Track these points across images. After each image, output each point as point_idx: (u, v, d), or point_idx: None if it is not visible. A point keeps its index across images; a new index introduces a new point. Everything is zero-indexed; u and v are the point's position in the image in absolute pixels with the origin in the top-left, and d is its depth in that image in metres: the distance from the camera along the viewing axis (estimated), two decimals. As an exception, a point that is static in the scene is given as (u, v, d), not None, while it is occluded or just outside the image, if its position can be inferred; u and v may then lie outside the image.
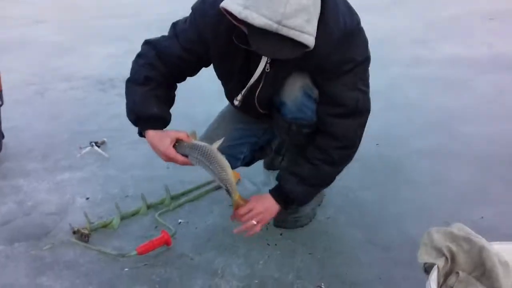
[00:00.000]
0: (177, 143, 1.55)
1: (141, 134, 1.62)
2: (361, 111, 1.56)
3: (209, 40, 1.53)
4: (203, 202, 2.03)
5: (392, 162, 2.33)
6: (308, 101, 1.57)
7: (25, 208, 2.05)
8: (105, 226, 1.85)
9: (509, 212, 1.92)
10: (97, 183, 2.22)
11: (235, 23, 1.33)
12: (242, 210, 1.60)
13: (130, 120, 1.63)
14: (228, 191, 1.55)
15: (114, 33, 7.06)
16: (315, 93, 1.56)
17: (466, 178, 2.17)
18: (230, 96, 1.75)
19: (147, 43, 1.64)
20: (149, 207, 1.97)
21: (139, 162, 2.43)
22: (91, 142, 2.54)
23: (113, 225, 1.84)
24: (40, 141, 2.74)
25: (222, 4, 1.29)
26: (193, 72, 1.69)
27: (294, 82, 1.55)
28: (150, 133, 1.57)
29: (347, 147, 1.60)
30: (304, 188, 1.63)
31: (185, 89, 3.71)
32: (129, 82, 1.62)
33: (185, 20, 1.60)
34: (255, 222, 1.60)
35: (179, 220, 1.90)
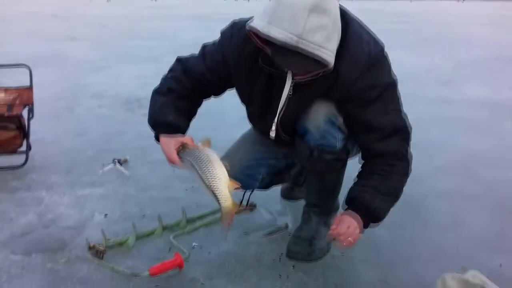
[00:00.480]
0: (181, 147, 1.57)
1: (157, 138, 1.69)
2: (400, 129, 1.58)
3: (231, 62, 1.62)
4: (218, 228, 2.04)
5: (410, 201, 2.31)
6: (331, 128, 1.59)
7: (45, 220, 2.09)
8: (120, 244, 1.88)
9: (528, 261, 1.87)
10: (117, 201, 2.26)
11: (260, 45, 1.44)
12: (341, 229, 1.55)
13: (149, 125, 1.72)
14: (215, 196, 1.49)
15: (144, 55, 7.27)
16: (339, 120, 1.59)
17: (485, 223, 2.14)
18: (252, 118, 1.85)
19: (178, 60, 1.76)
20: (164, 228, 1.99)
21: (159, 183, 2.47)
22: (114, 159, 2.60)
23: (128, 244, 1.87)
24: (65, 155, 2.82)
25: (249, 23, 1.38)
26: (216, 90, 1.77)
27: (318, 109, 1.58)
28: (162, 137, 1.64)
29: (400, 159, 1.60)
30: (380, 198, 1.59)
31: (206, 115, 3.78)
32: (154, 92, 1.73)
33: (213, 43, 1.72)
34: (351, 240, 1.57)
35: (193, 244, 1.92)
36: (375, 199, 1.56)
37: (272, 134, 1.70)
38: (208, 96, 1.79)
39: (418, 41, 8.10)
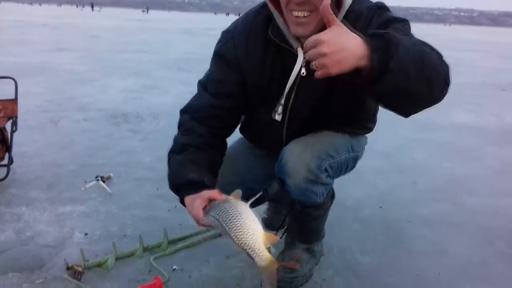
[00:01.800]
0: (209, 204, 1.31)
1: (183, 203, 1.45)
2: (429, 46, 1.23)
3: (240, 52, 1.45)
4: (200, 250, 2.02)
5: (394, 227, 2.31)
6: (312, 186, 1.51)
7: (23, 237, 2.05)
8: (99, 265, 1.84)
9: (508, 292, 1.88)
10: (97, 219, 2.22)
11: (271, 8, 1.37)
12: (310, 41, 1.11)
13: (172, 191, 1.50)
14: (249, 255, 1.21)
15: (133, 68, 7.27)
16: (321, 177, 1.50)
17: (467, 251, 2.14)
18: (256, 120, 1.64)
19: (181, 112, 1.59)
20: (145, 249, 1.96)
21: (142, 201, 2.44)
22: (97, 176, 2.56)
23: (108, 265, 1.83)
24: (47, 170, 2.78)
25: None
26: (231, 118, 1.57)
27: (298, 158, 1.46)
28: (186, 199, 1.40)
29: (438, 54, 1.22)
30: (410, 47, 1.11)
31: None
32: (170, 154, 1.53)
33: (206, 73, 1.57)
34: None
35: (174, 267, 1.88)
36: (402, 38, 1.12)
37: (278, 117, 1.47)
38: (227, 131, 1.59)
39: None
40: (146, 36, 15.15)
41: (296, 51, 1.38)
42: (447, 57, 1.25)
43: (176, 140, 1.54)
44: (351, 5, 1.36)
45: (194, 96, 1.58)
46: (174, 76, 6.53)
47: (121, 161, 2.97)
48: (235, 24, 1.51)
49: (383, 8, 1.36)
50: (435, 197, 2.70)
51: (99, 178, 2.54)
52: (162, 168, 2.88)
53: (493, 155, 3.53)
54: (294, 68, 1.38)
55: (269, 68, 1.44)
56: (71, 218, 2.23)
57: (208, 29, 16.94)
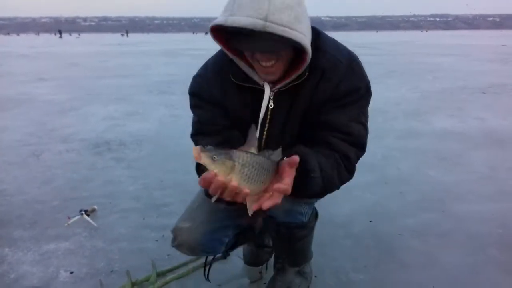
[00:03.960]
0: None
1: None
2: (362, 145, 1.42)
3: (218, 96, 1.45)
4: (191, 280, 1.97)
5: (385, 241, 2.30)
6: (297, 206, 1.54)
7: (8, 281, 1.98)
8: (87, 304, 1.79)
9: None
10: (83, 256, 2.17)
11: (230, 55, 1.36)
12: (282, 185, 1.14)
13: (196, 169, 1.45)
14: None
15: (114, 94, 7.23)
16: None
17: (457, 261, 2.13)
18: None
19: (193, 136, 1.53)
20: (134, 284, 1.91)
21: (128, 233, 2.39)
22: (80, 211, 2.51)
23: (96, 303, 1.78)
24: (29, 206, 2.72)
25: (211, 25, 1.27)
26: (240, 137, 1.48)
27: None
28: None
29: (349, 169, 1.40)
30: (321, 179, 1.29)
31: (179, 156, 3.74)
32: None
33: (194, 123, 1.52)
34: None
35: (164, 300, 1.84)
36: (317, 178, 1.28)
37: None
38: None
39: (386, 73, 8.31)
40: (126, 60, 15.14)
41: (262, 86, 1.40)
42: (427, 64, 1.29)
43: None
44: (326, 42, 1.39)
45: (195, 121, 1.51)
46: (156, 100, 6.50)
47: (105, 192, 2.92)
48: (205, 68, 1.52)
49: (357, 63, 1.41)
50: (423, 206, 2.70)
51: (83, 212, 2.49)
52: (147, 196, 2.88)
53: (478, 160, 3.56)
54: (263, 103, 1.41)
55: (243, 105, 1.46)
56: (56, 256, 2.17)
57: (188, 49, 16.98)
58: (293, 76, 1.33)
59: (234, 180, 1.08)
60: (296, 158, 1.12)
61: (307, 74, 1.33)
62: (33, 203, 2.77)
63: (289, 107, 1.41)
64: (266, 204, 1.11)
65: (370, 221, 2.50)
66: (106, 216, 2.58)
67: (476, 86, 7.46)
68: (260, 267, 2.06)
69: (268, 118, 1.43)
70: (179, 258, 2.09)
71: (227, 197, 1.11)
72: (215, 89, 1.45)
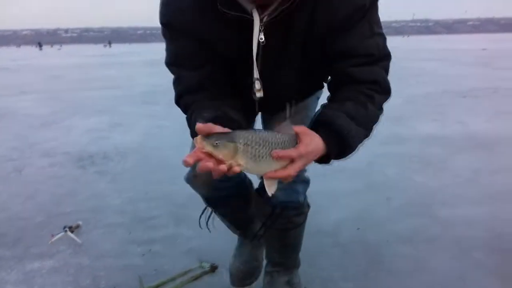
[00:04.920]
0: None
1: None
2: (385, 55, 1.31)
3: (199, 30, 1.27)
4: (178, 295, 1.95)
5: (373, 248, 2.30)
6: (294, 184, 1.53)
7: (-11, 302, 1.94)
8: (72, 324, 1.75)
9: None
10: (68, 274, 2.12)
11: None
12: (292, 155, 1.10)
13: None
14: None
15: (97, 105, 7.17)
16: (301, 174, 1.53)
17: (446, 266, 2.14)
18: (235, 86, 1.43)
19: (177, 102, 1.39)
20: (121, 301, 1.88)
21: (114, 248, 2.34)
22: (64, 227, 2.46)
23: (82, 323, 1.74)
24: (12, 224, 2.66)
25: None
26: (224, 75, 1.37)
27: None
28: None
29: (381, 92, 1.30)
30: (352, 124, 1.23)
31: (164, 167, 3.71)
32: (188, 123, 1.35)
33: (168, 51, 1.36)
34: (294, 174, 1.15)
35: (152, 317, 1.81)
36: (350, 126, 1.22)
37: (259, 94, 1.36)
38: (228, 84, 1.39)
39: (368, 79, 8.43)
40: (109, 71, 15.04)
41: (251, 15, 1.23)
42: (410, 69, 1.31)
43: (187, 120, 1.34)
44: None
45: (174, 80, 1.38)
46: (140, 111, 6.45)
47: (89, 207, 2.87)
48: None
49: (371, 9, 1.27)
50: (409, 212, 2.71)
51: (67, 229, 2.44)
52: (133, 210, 2.84)
53: (461, 164, 3.60)
54: (254, 36, 1.25)
55: (228, 39, 1.29)
56: (40, 275, 2.12)
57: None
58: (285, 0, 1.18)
59: (240, 161, 1.04)
60: (298, 129, 1.10)
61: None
62: (16, 220, 2.71)
63: (283, 42, 1.28)
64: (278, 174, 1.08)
65: (358, 229, 2.50)
66: (90, 232, 2.54)
67: (457, 90, 7.58)
68: None
69: (260, 54, 1.29)
70: (166, 273, 2.06)
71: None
72: (192, 18, 1.26)
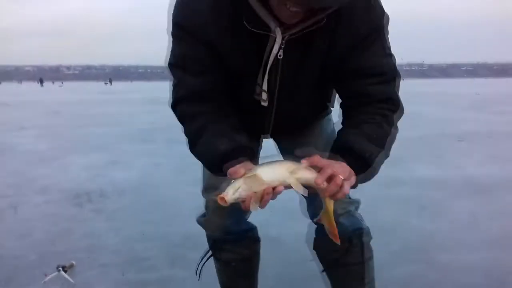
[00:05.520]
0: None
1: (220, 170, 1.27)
2: (397, 74, 1.36)
3: (212, 37, 1.25)
4: None
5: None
6: (351, 210, 1.60)
7: None
8: None
9: None
10: (60, 315, 2.08)
11: None
12: (321, 162, 1.16)
13: (219, 175, 1.27)
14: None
15: (96, 143, 7.19)
16: (349, 206, 1.58)
17: (446, 314, 2.11)
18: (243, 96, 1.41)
19: (174, 105, 1.36)
20: None
21: (107, 290, 2.30)
22: (58, 267, 2.42)
23: None
24: (5, 262, 2.62)
25: None
26: (226, 87, 1.36)
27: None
28: (226, 166, 1.21)
29: (395, 110, 1.35)
30: (372, 146, 1.28)
31: (160, 206, 3.69)
32: (191, 147, 1.34)
33: (173, 51, 1.33)
34: (342, 177, 1.17)
35: None
36: (371, 148, 1.27)
37: (264, 97, 1.34)
38: (229, 97, 1.37)
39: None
40: (109, 109, 15.17)
41: (274, 32, 1.21)
42: (406, 112, 1.42)
43: (188, 131, 1.33)
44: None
45: (176, 83, 1.34)
46: (139, 149, 6.46)
47: (84, 246, 2.84)
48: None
49: (373, 6, 1.29)
50: (408, 257, 2.68)
51: (60, 269, 2.40)
52: (128, 250, 2.80)
53: (459, 208, 3.59)
54: (273, 50, 1.24)
55: (243, 51, 1.28)
56: (30, 317, 2.07)
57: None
58: (310, 22, 1.17)
59: (259, 172, 1.10)
60: (313, 159, 1.14)
61: (324, 20, 1.18)
62: (9, 258, 2.67)
63: (301, 57, 1.29)
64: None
65: (356, 273, 2.46)
66: (84, 272, 2.49)
67: (453, 134, 7.65)
68: None
69: (278, 70, 1.29)
70: (160, 316, 2.02)
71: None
72: (209, 23, 1.24)
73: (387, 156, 1.34)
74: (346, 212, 1.56)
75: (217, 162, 1.23)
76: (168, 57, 1.34)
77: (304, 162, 1.14)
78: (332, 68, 1.32)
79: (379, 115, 1.31)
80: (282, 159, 1.24)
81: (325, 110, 1.65)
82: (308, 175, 1.15)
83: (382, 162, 1.32)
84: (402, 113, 1.38)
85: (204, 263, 1.82)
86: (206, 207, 1.69)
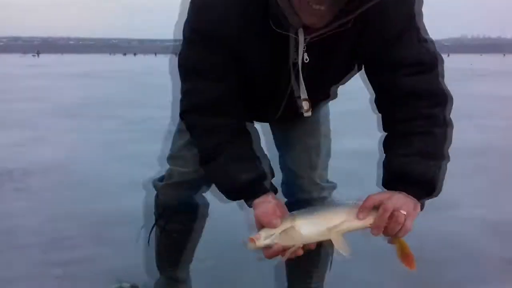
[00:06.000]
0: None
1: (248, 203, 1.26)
2: (436, 60, 1.22)
3: (234, 37, 1.18)
4: None
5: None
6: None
7: None
8: None
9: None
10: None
11: None
12: (371, 199, 1.13)
13: (232, 199, 1.29)
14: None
15: (19, 118, 6.78)
16: (325, 187, 1.58)
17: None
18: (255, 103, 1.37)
19: (184, 113, 1.30)
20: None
21: (28, 271, 2.19)
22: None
23: None
24: None
25: None
26: (240, 95, 1.29)
27: (310, 175, 1.55)
28: (255, 204, 1.20)
29: (441, 103, 1.20)
30: (430, 163, 1.16)
31: (86, 184, 3.55)
32: (204, 164, 1.29)
33: (186, 53, 1.25)
34: (404, 212, 1.10)
35: None
36: (430, 167, 1.16)
37: (307, 114, 1.30)
38: (242, 107, 1.32)
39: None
40: (36, 82, 14.31)
41: (296, 35, 1.16)
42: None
43: (201, 146, 1.28)
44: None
45: (188, 88, 1.27)
46: (67, 125, 6.16)
47: (3, 228, 2.68)
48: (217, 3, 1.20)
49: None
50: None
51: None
52: (51, 230, 2.68)
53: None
54: (299, 54, 1.19)
55: (266, 53, 1.22)
56: None
57: (105, 70, 16.41)
58: (336, 24, 1.10)
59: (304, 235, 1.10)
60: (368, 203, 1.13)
61: (350, 23, 1.11)
62: None
63: (326, 61, 1.23)
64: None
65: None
66: (3, 253, 2.37)
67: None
68: None
69: (304, 73, 1.22)
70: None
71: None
72: (236, 30, 1.17)
73: (448, 161, 1.20)
74: (321, 198, 1.56)
75: (236, 191, 1.24)
76: (178, 57, 1.25)
77: (353, 210, 1.13)
78: (356, 64, 1.30)
79: (425, 118, 1.18)
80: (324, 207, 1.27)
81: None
82: (356, 224, 1.11)
83: (445, 171, 1.19)
84: (451, 103, 1.22)
85: (151, 231, 1.75)
86: (169, 175, 1.61)
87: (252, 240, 1.08)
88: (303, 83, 1.24)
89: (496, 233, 2.70)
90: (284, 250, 1.10)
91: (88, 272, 2.18)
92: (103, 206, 2.97)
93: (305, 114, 1.30)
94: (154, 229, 1.74)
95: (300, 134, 1.56)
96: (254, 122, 1.49)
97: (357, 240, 2.43)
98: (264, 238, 1.08)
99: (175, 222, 1.68)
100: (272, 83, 1.28)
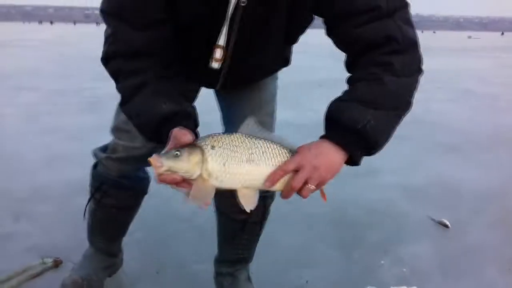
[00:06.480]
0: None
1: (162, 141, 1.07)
2: (401, 3, 1.10)
3: None
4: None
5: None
6: None
7: None
8: None
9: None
10: None
11: None
12: (288, 167, 1.00)
13: (150, 139, 1.12)
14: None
15: None
16: None
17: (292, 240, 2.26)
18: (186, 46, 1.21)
19: (105, 59, 1.15)
20: None
21: None
22: None
23: None
24: None
25: None
26: (173, 44, 1.16)
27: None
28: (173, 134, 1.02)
29: (399, 50, 1.07)
30: (368, 111, 1.04)
31: (4, 159, 3.34)
32: (122, 105, 1.14)
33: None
34: (313, 187, 1.02)
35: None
36: (366, 115, 1.03)
37: (215, 65, 1.18)
38: (175, 56, 1.18)
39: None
40: None
41: None
42: None
43: (121, 86, 1.12)
44: None
45: (110, 34, 1.14)
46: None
47: None
48: None
49: None
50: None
51: None
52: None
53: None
54: None
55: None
56: None
57: (18, 39, 15.21)
58: None
59: (211, 167, 0.93)
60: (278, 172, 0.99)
61: None
62: None
63: (267, 6, 1.10)
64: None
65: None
66: None
67: (313, 80, 8.11)
68: None
69: (237, 18, 1.10)
70: (1, 273, 1.85)
71: None
72: None
73: (399, 115, 1.09)
74: None
75: (154, 124, 1.06)
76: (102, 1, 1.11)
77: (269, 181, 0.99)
78: (301, 15, 1.17)
79: (377, 65, 1.06)
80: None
81: (280, 69, 1.50)
82: (269, 188, 0.99)
83: (394, 125, 1.08)
84: (415, 49, 1.10)
85: (87, 204, 1.66)
86: (113, 148, 1.49)
87: (154, 161, 0.91)
88: (227, 27, 1.11)
89: (413, 197, 2.89)
90: (184, 181, 0.95)
91: (7, 250, 2.07)
92: (23, 183, 2.79)
93: (212, 64, 1.18)
94: (91, 204, 1.65)
95: (246, 111, 1.43)
96: (201, 87, 1.45)
97: (285, 205, 2.52)
98: (166, 158, 0.91)
99: (113, 197, 1.59)
100: (207, 31, 1.15)
